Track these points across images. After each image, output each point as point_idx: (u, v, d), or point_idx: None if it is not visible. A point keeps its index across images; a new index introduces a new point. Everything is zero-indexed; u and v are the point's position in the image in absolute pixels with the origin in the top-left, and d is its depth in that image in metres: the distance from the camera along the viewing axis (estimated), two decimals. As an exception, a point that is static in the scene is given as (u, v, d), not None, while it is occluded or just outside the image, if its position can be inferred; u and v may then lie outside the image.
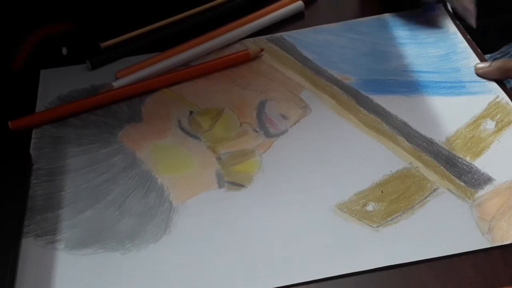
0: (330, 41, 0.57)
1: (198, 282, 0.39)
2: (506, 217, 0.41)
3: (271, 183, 0.45)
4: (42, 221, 0.43)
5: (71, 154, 0.48)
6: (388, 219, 0.42)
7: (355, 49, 0.56)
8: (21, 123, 0.50)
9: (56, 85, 0.54)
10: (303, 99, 0.51)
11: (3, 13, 0.59)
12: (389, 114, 0.49)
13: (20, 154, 0.47)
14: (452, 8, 0.58)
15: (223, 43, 0.57)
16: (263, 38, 0.58)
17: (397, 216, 0.42)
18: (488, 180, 0.44)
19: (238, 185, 0.45)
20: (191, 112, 0.51)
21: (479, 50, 0.55)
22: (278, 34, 0.58)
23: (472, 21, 0.55)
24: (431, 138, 0.47)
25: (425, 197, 0.43)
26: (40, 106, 0.52)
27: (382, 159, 0.46)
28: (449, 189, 0.43)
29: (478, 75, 0.52)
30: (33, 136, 0.49)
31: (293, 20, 0.60)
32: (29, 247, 0.41)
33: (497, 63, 0.51)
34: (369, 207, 0.43)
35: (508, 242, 0.40)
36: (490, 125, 0.48)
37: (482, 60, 0.54)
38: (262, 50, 0.56)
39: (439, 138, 0.47)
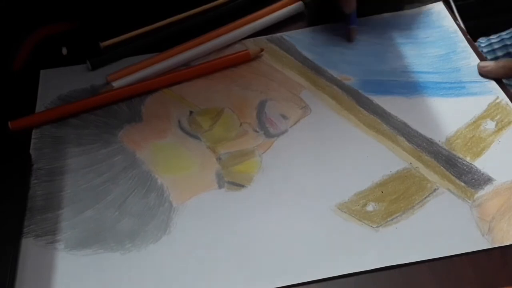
0: (330, 41, 0.57)
1: (198, 282, 0.39)
2: (506, 217, 0.41)
3: (271, 183, 0.45)
4: (42, 221, 0.43)
5: (71, 154, 0.48)
6: (388, 219, 0.42)
7: (355, 49, 0.56)
8: (21, 123, 0.50)
9: (56, 85, 0.54)
10: (303, 99, 0.51)
11: (3, 13, 0.59)
12: (389, 115, 0.49)
13: (20, 154, 0.47)
14: None
15: (223, 44, 0.57)
16: (263, 38, 0.58)
17: (397, 216, 0.42)
18: (488, 180, 0.44)
19: (238, 185, 0.45)
20: (191, 112, 0.51)
21: (479, 49, 0.55)
22: (278, 34, 0.58)
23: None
24: (431, 138, 0.47)
25: (425, 197, 0.43)
26: (40, 106, 0.52)
27: (382, 159, 0.46)
28: (449, 189, 0.43)
29: (481, 73, 0.52)
30: (33, 136, 0.49)
31: (293, 20, 0.60)
32: (29, 247, 0.41)
33: (501, 62, 0.51)
34: (369, 207, 0.43)
35: (508, 243, 0.40)
36: (490, 125, 0.48)
37: (482, 59, 0.53)
38: (262, 50, 0.56)
39: (439, 138, 0.47)
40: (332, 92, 0.52)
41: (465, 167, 0.45)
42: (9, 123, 0.50)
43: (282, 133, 0.49)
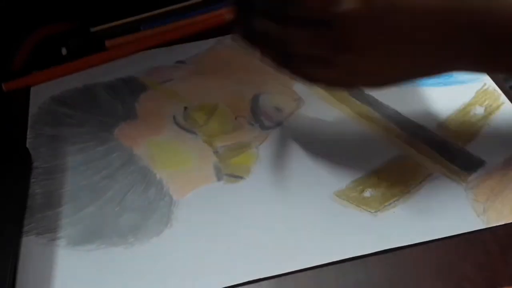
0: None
1: (200, 273, 0.39)
2: (499, 198, 0.42)
3: (269, 174, 0.45)
4: (42, 219, 0.43)
5: (68, 152, 0.48)
6: (386, 204, 0.43)
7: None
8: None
9: (48, 85, 0.54)
10: (296, 92, 0.52)
11: (3, 13, 0.59)
12: (380, 104, 0.50)
13: (19, 153, 0.47)
14: None
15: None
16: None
17: (394, 201, 0.43)
18: (480, 163, 0.45)
19: (236, 177, 0.45)
20: (185, 108, 0.51)
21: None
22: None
23: None
24: (423, 125, 0.48)
25: (420, 182, 0.44)
26: (33, 107, 0.52)
27: (376, 147, 0.47)
28: (443, 173, 0.44)
29: None
30: (28, 136, 0.49)
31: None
32: (31, 245, 0.41)
33: None
34: (367, 194, 0.43)
35: (503, 223, 0.41)
36: (479, 111, 0.49)
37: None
38: None
39: (431, 125, 0.48)
40: (324, 84, 0.53)
41: (457, 151, 0.46)
42: (3, 84, 0.52)
43: (277, 125, 0.49)
